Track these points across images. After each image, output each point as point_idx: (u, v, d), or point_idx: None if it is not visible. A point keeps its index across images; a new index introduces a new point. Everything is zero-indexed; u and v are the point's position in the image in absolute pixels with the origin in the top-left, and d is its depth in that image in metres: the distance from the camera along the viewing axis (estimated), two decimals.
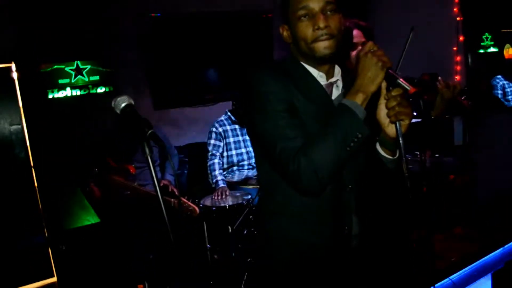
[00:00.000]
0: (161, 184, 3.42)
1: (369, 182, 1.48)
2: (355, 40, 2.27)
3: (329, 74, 1.43)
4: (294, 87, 1.36)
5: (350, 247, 1.45)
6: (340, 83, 1.45)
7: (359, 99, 1.26)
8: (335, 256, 1.44)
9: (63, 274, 2.57)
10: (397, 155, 1.39)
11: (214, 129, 3.88)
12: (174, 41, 4.42)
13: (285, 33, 1.42)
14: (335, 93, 1.44)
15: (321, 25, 1.32)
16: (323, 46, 1.34)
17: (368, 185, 1.49)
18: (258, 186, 3.10)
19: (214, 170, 3.74)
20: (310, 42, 1.34)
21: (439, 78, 2.19)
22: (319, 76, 1.41)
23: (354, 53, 2.26)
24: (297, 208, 1.42)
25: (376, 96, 1.30)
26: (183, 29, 4.41)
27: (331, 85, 1.43)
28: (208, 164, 3.80)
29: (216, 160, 3.78)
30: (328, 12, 1.34)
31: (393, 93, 1.26)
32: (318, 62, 1.40)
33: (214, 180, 3.67)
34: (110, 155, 3.44)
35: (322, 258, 1.43)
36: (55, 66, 3.97)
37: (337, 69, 1.47)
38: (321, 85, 1.41)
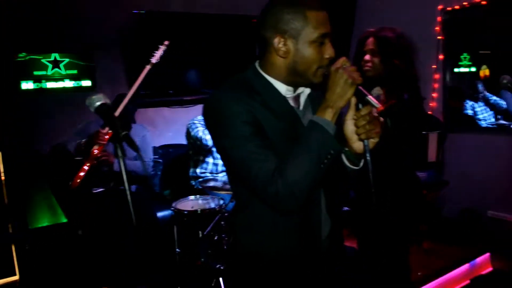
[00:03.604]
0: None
1: (337, 184, 1.50)
2: (365, 47, 2.37)
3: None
4: (260, 105, 1.32)
5: (321, 254, 1.48)
6: (307, 90, 1.46)
7: (329, 115, 1.27)
8: (306, 267, 1.46)
9: (25, 273, 2.49)
10: (361, 165, 1.39)
11: (195, 121, 3.85)
12: (157, 40, 4.36)
13: (281, 47, 1.32)
14: (303, 100, 1.46)
15: (333, 56, 1.33)
16: (323, 73, 1.34)
17: (336, 186, 1.52)
18: (231, 192, 3.08)
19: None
20: (317, 67, 1.33)
21: None
22: (287, 90, 1.41)
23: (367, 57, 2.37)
24: (266, 224, 1.42)
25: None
26: (167, 28, 4.37)
27: (298, 96, 1.44)
28: (204, 132, 3.71)
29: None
30: None
31: (363, 112, 1.26)
32: (307, 86, 1.42)
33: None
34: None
35: (293, 270, 1.45)
36: (31, 56, 3.85)
37: None
38: (287, 101, 1.40)
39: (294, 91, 1.42)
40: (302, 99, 1.45)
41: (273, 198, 1.25)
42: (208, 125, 1.39)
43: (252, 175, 1.26)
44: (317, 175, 1.26)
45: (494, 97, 4.20)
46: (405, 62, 2.36)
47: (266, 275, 1.45)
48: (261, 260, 1.45)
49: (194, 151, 3.90)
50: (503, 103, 4.15)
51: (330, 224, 1.52)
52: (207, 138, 3.70)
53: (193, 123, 3.84)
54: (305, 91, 1.46)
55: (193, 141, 3.81)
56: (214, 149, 3.77)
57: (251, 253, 1.47)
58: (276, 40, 1.32)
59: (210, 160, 3.85)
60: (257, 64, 1.43)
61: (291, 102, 1.42)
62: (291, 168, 1.23)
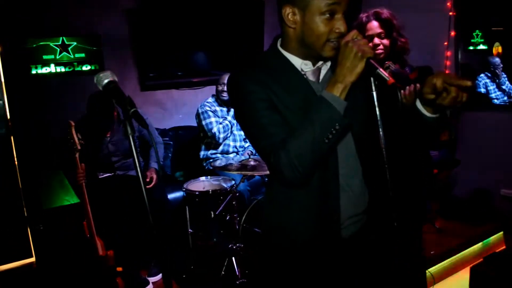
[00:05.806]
0: (147, 178, 3.33)
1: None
2: (370, 32, 2.33)
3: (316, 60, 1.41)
4: (274, 82, 1.34)
5: (340, 235, 1.43)
6: (328, 63, 1.43)
7: (337, 90, 1.25)
8: (324, 245, 1.43)
9: (41, 254, 2.53)
10: (438, 115, 1.32)
11: (207, 108, 3.82)
12: (164, 21, 4.33)
13: (291, 17, 1.32)
14: (323, 73, 1.43)
15: (344, 30, 1.29)
16: (333, 48, 1.31)
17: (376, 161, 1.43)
18: (242, 172, 3.07)
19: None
20: (325, 40, 1.30)
21: (407, 87, 2.18)
22: (304, 64, 1.39)
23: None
24: (285, 199, 1.45)
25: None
26: (175, 9, 4.33)
27: (318, 69, 1.41)
28: (219, 131, 3.73)
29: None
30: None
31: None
32: (319, 59, 1.39)
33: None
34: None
35: (310, 247, 1.44)
36: (40, 43, 3.85)
37: None
38: (301, 76, 1.39)
39: (314, 64, 1.40)
40: (323, 73, 1.42)
41: (275, 169, 1.28)
42: (231, 102, 1.46)
43: (260, 147, 1.35)
44: (321, 150, 1.25)
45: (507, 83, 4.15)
46: (404, 38, 2.41)
47: (287, 250, 1.47)
48: (282, 234, 1.48)
49: (205, 133, 3.89)
50: None
51: (366, 204, 1.48)
52: (221, 137, 3.72)
53: (205, 110, 3.81)
54: (326, 64, 1.43)
55: (205, 129, 3.80)
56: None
57: (273, 227, 1.51)
58: (285, 10, 1.32)
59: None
60: (278, 41, 1.44)
61: (310, 76, 1.40)
62: (294, 141, 1.25)
